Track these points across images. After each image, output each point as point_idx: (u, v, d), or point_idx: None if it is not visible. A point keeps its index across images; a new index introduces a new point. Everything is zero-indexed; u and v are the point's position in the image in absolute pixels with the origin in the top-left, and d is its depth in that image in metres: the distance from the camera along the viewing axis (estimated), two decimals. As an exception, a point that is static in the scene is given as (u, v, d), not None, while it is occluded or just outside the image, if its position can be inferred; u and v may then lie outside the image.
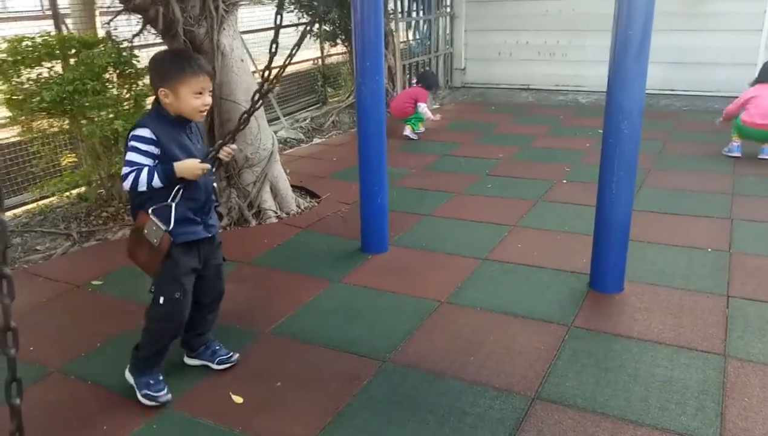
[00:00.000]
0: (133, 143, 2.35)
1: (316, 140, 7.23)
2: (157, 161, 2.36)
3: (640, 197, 4.60)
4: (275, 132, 7.01)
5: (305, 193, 5.22)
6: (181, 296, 2.50)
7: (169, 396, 2.57)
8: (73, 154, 5.15)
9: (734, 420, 2.35)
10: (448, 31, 9.64)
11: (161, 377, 2.61)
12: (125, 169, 2.33)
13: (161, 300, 2.50)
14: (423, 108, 7.02)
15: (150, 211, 2.37)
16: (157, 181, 2.32)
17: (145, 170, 2.31)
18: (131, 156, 2.34)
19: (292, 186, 4.97)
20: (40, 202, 5.01)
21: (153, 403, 2.55)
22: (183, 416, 2.50)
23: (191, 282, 2.55)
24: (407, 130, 7.01)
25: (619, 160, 3.11)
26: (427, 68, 8.19)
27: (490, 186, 5.22)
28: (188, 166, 2.36)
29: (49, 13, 5.30)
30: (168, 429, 2.44)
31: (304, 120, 7.95)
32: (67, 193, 4.70)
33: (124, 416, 2.52)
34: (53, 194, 4.87)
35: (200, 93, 2.41)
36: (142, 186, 2.31)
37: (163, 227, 2.37)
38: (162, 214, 2.37)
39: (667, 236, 4.06)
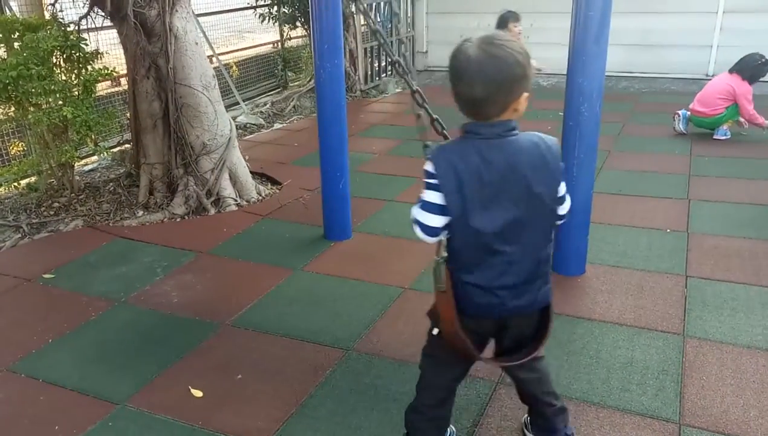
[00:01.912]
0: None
1: (277, 125, 7.10)
2: None
3: (600, 179, 4.64)
4: (234, 117, 6.87)
5: (266, 180, 5.12)
6: None
7: None
8: (21, 143, 4.95)
9: (693, 399, 2.38)
10: (409, 14, 9.55)
11: None
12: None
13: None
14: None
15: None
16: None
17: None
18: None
19: (252, 173, 4.87)
20: (-13, 193, 4.80)
21: None
22: (139, 412, 2.42)
23: None
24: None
25: (580, 142, 3.11)
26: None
27: (453, 170, 5.20)
28: None
29: None
30: (124, 427, 2.35)
31: (265, 105, 7.79)
32: (16, 184, 4.50)
33: (78, 414, 2.42)
34: (0, 185, 4.67)
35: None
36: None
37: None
38: None
39: (626, 218, 4.10)
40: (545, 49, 8.89)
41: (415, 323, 2.96)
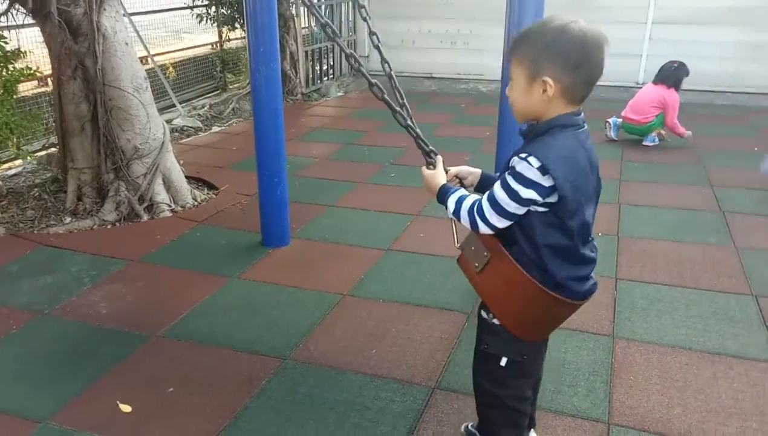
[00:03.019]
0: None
1: (215, 128, 6.94)
2: None
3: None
4: (171, 120, 6.69)
5: (202, 185, 4.98)
6: None
7: None
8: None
9: (621, 399, 2.45)
10: (351, 18, 9.54)
11: None
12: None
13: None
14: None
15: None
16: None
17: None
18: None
19: (187, 177, 4.74)
20: None
21: None
22: (64, 431, 2.30)
23: None
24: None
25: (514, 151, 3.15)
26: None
27: (394, 175, 5.21)
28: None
29: None
30: (45, 447, 2.24)
31: (202, 107, 7.61)
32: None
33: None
34: None
35: None
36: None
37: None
38: None
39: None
40: (483, 55, 9.08)
41: (354, 330, 2.94)
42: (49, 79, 5.32)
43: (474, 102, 8.26)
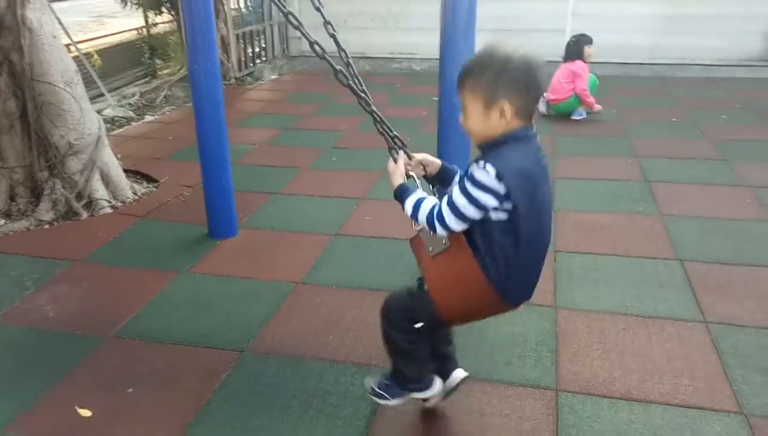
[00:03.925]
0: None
1: (148, 118, 6.76)
2: None
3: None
4: (101, 111, 6.46)
5: (141, 178, 4.88)
6: None
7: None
8: None
9: (567, 366, 2.62)
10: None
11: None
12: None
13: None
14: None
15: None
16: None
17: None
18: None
19: (125, 171, 4.62)
20: None
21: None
22: (22, 441, 2.28)
23: None
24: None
25: (454, 131, 3.26)
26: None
27: (335, 159, 5.25)
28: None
29: None
30: (5, 458, 2.21)
31: (133, 96, 7.38)
32: None
33: (-51, 451, 2.24)
34: None
35: None
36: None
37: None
38: None
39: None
40: (415, 34, 9.16)
41: (309, 317, 3.00)
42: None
43: (408, 81, 8.34)
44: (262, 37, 9.04)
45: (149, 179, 4.86)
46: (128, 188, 4.46)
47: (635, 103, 6.92)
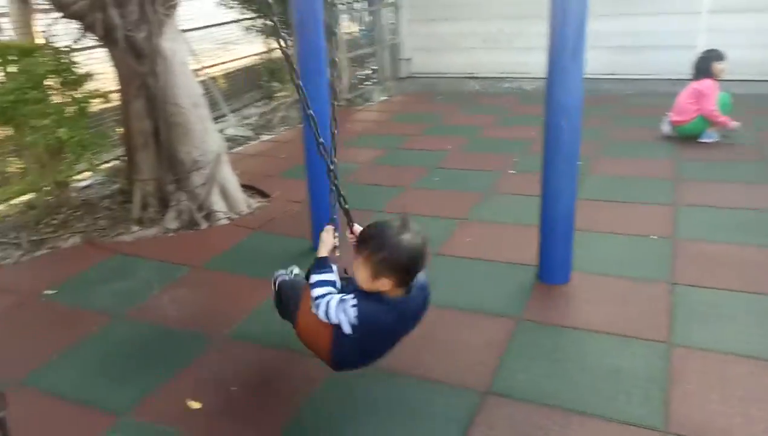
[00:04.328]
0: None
1: (264, 137, 7.17)
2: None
3: (584, 186, 4.71)
4: (222, 130, 6.94)
5: (255, 193, 5.19)
6: None
7: None
8: (18, 163, 4.97)
9: (678, 407, 2.43)
10: (392, 22, 9.66)
11: None
12: None
13: None
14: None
15: None
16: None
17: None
18: None
19: (241, 186, 4.94)
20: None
21: None
22: (140, 424, 2.51)
23: None
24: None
25: (560, 154, 3.22)
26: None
27: (438, 179, 5.30)
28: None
29: None
30: (126, 440, 2.43)
31: (252, 117, 7.86)
32: (15, 202, 4.57)
33: (82, 426, 2.52)
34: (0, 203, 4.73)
35: None
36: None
37: None
38: None
39: (611, 225, 4.15)
40: (527, 54, 9.07)
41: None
42: (112, 96, 5.63)
43: (518, 101, 8.25)
44: (373, 59, 9.32)
45: (262, 194, 5.16)
46: (243, 202, 4.77)
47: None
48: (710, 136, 5.89)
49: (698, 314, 3.07)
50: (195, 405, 2.60)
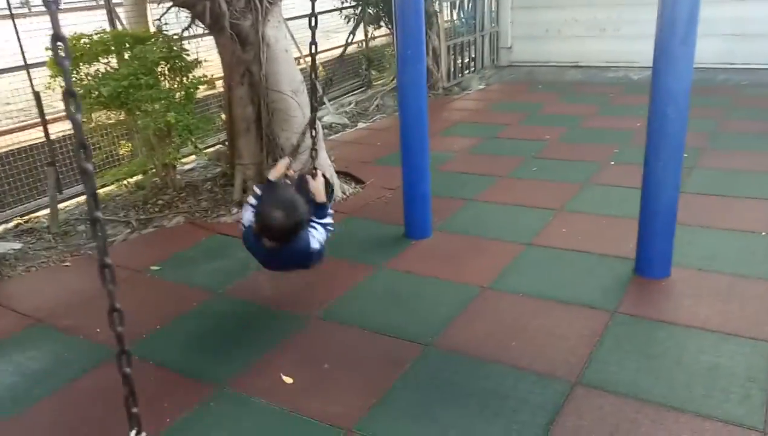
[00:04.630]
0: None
1: (360, 125, 7.29)
2: None
3: (691, 179, 4.49)
4: (321, 117, 7.13)
5: (350, 179, 5.30)
6: None
7: None
8: (129, 145, 5.38)
9: (780, 408, 2.33)
10: (493, 9, 9.50)
11: None
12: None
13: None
14: None
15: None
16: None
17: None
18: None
19: (337, 172, 5.06)
20: (100, 191, 5.25)
21: None
22: (236, 395, 2.66)
23: None
24: None
25: (665, 144, 3.07)
26: None
27: (536, 169, 5.19)
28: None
29: (101, 2, 5.52)
30: (222, 407, 2.59)
31: (349, 104, 8.02)
32: (126, 183, 4.92)
33: (184, 394, 2.69)
34: (111, 183, 5.12)
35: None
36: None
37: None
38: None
39: (718, 220, 3.96)
40: (635, 42, 8.64)
41: (493, 321, 3.04)
42: (216, 82, 5.95)
43: (623, 91, 7.90)
44: (472, 47, 9.22)
45: (357, 181, 5.26)
46: (338, 188, 4.88)
47: None
48: None
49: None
50: (288, 380, 2.72)
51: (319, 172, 3.06)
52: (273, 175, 2.98)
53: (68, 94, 1.39)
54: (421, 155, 3.85)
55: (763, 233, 3.73)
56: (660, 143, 3.08)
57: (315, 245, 2.85)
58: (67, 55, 1.34)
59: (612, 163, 5.17)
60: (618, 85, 8.21)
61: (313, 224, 2.89)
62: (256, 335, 3.09)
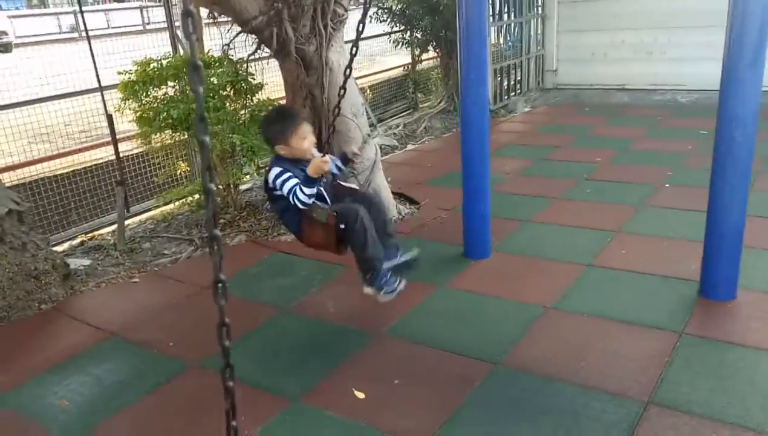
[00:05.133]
0: (279, 180, 3.06)
1: (409, 146, 7.41)
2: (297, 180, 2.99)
3: (752, 200, 4.44)
4: (372, 138, 7.27)
5: (404, 200, 5.40)
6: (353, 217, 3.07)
7: (403, 284, 3.23)
8: (186, 165, 5.56)
9: None
10: (539, 32, 9.58)
11: (389, 275, 3.18)
12: (292, 197, 3.03)
13: (346, 227, 3.07)
14: None
15: (313, 202, 3.07)
16: (308, 191, 3.01)
17: (297, 189, 2.96)
18: (286, 186, 3.03)
19: (392, 193, 5.17)
20: (163, 209, 5.45)
21: (392, 295, 3.20)
22: (311, 409, 2.74)
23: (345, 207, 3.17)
24: None
25: (732, 167, 3.08)
26: None
27: (589, 191, 5.21)
28: (314, 165, 2.99)
29: (149, 28, 5.77)
30: (298, 420, 2.68)
31: (397, 126, 8.16)
32: (188, 203, 5.10)
33: (259, 407, 2.77)
34: (173, 202, 5.31)
35: (305, 137, 3.11)
36: (305, 198, 3.01)
37: (326, 206, 3.15)
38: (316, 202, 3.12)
39: (780, 243, 3.94)
40: (683, 64, 8.61)
41: (559, 341, 3.07)
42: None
43: (671, 113, 7.85)
44: (518, 70, 9.30)
45: (411, 201, 5.36)
46: (394, 208, 4.99)
47: None
48: None
49: None
50: (360, 395, 2.79)
51: (327, 157, 3.16)
52: (312, 172, 3.04)
53: (199, 119, 1.50)
54: (482, 175, 3.93)
55: (829, 257, 3.69)
56: (727, 166, 3.10)
57: (270, 178, 3.08)
58: (200, 81, 1.46)
59: (666, 184, 5.16)
60: (665, 108, 8.16)
61: (288, 174, 3.04)
62: (325, 351, 3.18)
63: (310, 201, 3.04)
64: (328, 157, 3.12)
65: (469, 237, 4.10)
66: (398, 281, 3.20)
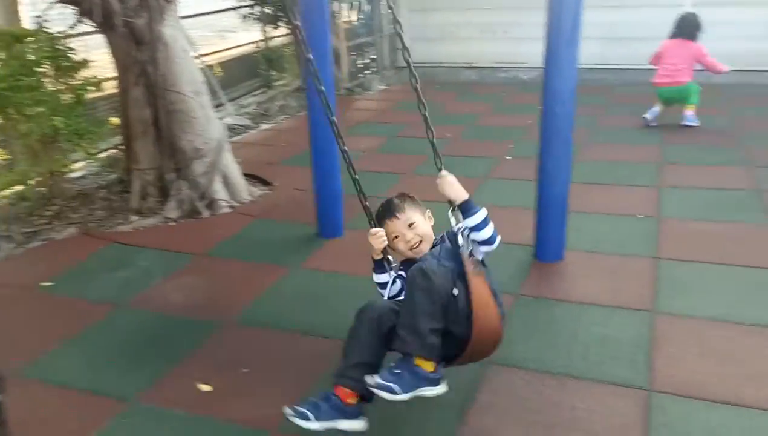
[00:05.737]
0: None
1: (263, 126, 7.21)
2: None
3: (575, 170, 4.80)
4: (220, 118, 6.98)
5: (257, 181, 5.25)
6: None
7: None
8: (5, 152, 4.95)
9: (661, 368, 2.62)
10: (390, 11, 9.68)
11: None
12: None
13: None
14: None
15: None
16: (375, 278, 2.66)
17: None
18: None
19: (243, 174, 5.00)
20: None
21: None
22: (151, 408, 2.56)
23: None
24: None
25: (555, 139, 3.32)
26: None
27: (439, 166, 5.35)
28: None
29: None
30: (136, 421, 2.50)
31: (250, 105, 7.91)
32: (4, 195, 4.55)
33: (91, 412, 2.56)
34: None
35: (395, 236, 2.60)
36: (379, 289, 2.63)
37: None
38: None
39: (601, 206, 4.36)
40: (523, 44, 9.12)
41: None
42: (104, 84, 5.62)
43: (515, 90, 8.33)
44: (372, 49, 9.36)
45: (264, 182, 5.22)
46: (245, 190, 4.84)
47: (751, 113, 6.58)
48: (692, 120, 6.09)
49: (679, 285, 3.29)
50: (206, 388, 2.67)
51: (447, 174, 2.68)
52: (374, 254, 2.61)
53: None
54: (332, 154, 3.89)
55: (640, 216, 4.15)
56: (551, 139, 3.33)
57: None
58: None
59: (508, 157, 5.47)
60: (509, 85, 8.65)
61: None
62: (168, 346, 3.00)
63: (383, 292, 2.56)
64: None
65: (322, 216, 4.07)
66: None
